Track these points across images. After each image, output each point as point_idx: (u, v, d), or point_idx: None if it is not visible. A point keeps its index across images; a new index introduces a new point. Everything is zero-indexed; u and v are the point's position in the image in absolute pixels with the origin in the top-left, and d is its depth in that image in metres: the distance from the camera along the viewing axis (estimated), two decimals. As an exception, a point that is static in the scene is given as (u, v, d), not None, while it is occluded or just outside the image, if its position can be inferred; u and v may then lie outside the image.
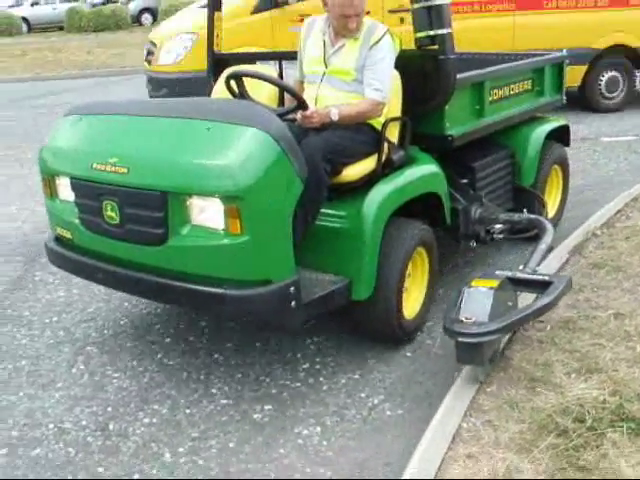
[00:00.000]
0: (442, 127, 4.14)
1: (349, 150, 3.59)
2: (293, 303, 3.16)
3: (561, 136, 5.35)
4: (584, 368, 3.35)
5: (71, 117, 3.67)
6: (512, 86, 4.79)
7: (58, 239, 3.81)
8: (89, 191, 3.40)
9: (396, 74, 3.86)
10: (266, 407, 3.39)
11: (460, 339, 3.21)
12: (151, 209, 3.17)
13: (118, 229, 3.32)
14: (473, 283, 3.42)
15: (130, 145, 3.34)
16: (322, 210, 3.55)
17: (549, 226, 4.18)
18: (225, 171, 3.00)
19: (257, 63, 4.76)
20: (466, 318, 3.21)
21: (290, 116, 3.61)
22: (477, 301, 3.29)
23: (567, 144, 5.46)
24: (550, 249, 4.06)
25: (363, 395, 3.47)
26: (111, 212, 3.32)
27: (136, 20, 30.12)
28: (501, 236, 4.49)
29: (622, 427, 2.89)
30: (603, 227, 5.20)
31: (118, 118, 3.49)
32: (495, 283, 3.39)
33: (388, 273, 3.62)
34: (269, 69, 4.46)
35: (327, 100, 3.74)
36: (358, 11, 3.62)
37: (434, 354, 3.79)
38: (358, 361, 3.76)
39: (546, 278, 3.61)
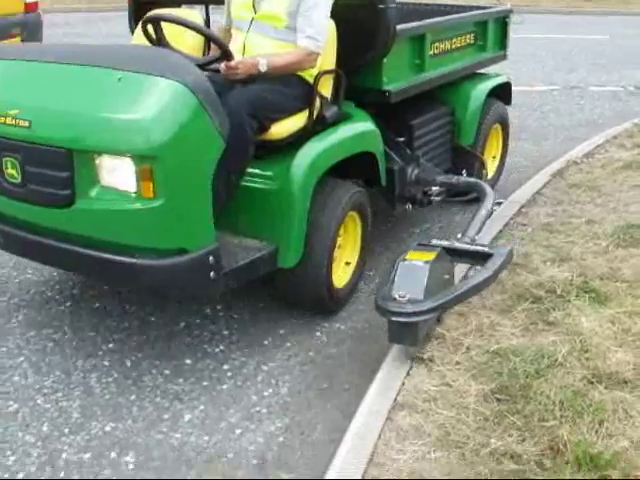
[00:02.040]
0: (379, 81, 3.88)
1: (277, 105, 3.31)
2: (212, 273, 2.90)
3: (503, 94, 5.15)
4: (557, 258, 4.01)
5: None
6: (454, 40, 4.55)
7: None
8: (-13, 145, 3.05)
9: (331, 23, 3.56)
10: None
11: (393, 318, 2.99)
12: (55, 168, 2.84)
13: (20, 189, 2.99)
14: (408, 256, 3.19)
15: (34, 95, 2.97)
16: (248, 170, 3.28)
17: (489, 190, 3.99)
18: (135, 127, 2.68)
19: (182, 7, 4.38)
20: (400, 295, 2.99)
21: (213, 66, 3.30)
22: (412, 276, 3.07)
23: (508, 102, 5.27)
24: (490, 214, 3.87)
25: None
26: (12, 170, 2.98)
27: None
28: (439, 198, 4.29)
29: (585, 296, 3.56)
30: (584, 157, 6.07)
31: (25, 64, 3.10)
32: (431, 256, 3.17)
33: (318, 239, 3.39)
34: (194, 14, 4.10)
35: (255, 49, 3.43)
36: None
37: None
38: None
39: (486, 249, 3.41)
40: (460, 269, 3.71)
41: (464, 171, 4.58)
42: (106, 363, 3.28)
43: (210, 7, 4.35)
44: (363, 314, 3.68)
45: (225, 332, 3.54)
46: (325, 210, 3.43)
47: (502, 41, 5.18)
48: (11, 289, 3.91)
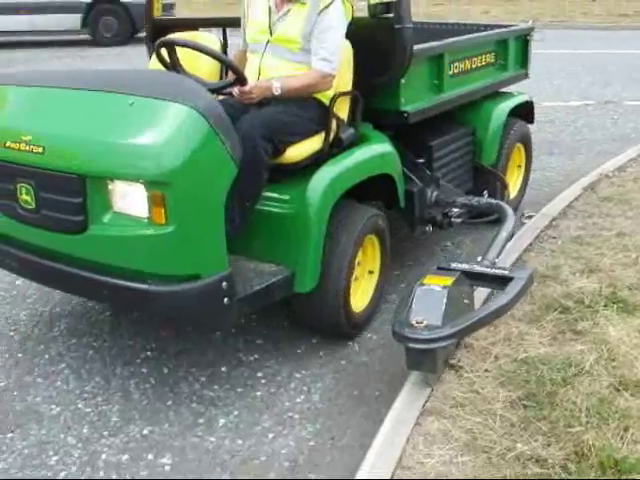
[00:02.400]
0: (397, 103, 3.83)
1: (293, 128, 3.27)
2: (225, 300, 2.86)
3: (525, 113, 5.07)
4: (587, 269, 4.05)
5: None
6: (474, 59, 4.49)
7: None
8: (2, 172, 3.05)
9: (347, 44, 3.53)
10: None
11: (410, 345, 2.92)
12: (69, 194, 2.83)
13: (34, 215, 2.98)
14: (426, 280, 3.12)
15: (47, 122, 2.97)
16: (263, 193, 3.25)
17: (510, 212, 3.90)
18: (146, 152, 2.66)
19: (199, 30, 4.38)
20: (417, 322, 2.92)
21: (227, 90, 3.28)
22: (430, 302, 3.00)
23: (531, 121, 5.20)
24: (511, 236, 3.78)
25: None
26: (26, 196, 2.97)
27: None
28: (459, 220, 4.21)
29: (613, 306, 3.59)
30: (615, 171, 6.04)
31: (37, 90, 3.11)
32: (449, 280, 3.10)
33: (335, 263, 3.33)
34: (212, 38, 4.09)
35: (271, 71, 3.41)
36: None
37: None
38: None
39: (506, 273, 3.32)
40: (482, 293, 3.64)
41: (485, 192, 4.51)
42: (144, 370, 3.36)
43: (228, 30, 4.33)
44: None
45: (259, 341, 3.59)
46: (342, 234, 3.38)
47: (523, 59, 5.11)
48: (54, 299, 4.01)
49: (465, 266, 3.39)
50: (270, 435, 2.95)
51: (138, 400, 3.16)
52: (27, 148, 2.89)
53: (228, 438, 2.93)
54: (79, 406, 3.13)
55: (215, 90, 3.14)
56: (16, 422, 3.03)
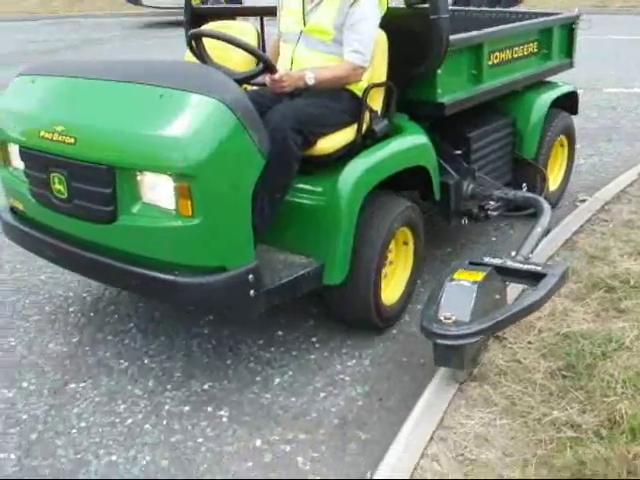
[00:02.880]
0: (433, 94, 3.77)
1: (324, 120, 3.24)
2: (252, 292, 2.86)
3: (568, 104, 4.95)
4: (635, 252, 4.11)
5: (24, 77, 3.34)
6: (515, 49, 4.38)
7: (13, 210, 3.52)
8: (37, 161, 3.10)
9: (382, 35, 3.49)
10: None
11: (438, 341, 2.89)
12: (99, 184, 2.86)
13: (67, 204, 3.02)
14: (456, 275, 3.08)
15: (79, 112, 3.01)
16: (295, 185, 3.24)
17: (546, 206, 3.81)
18: (174, 144, 2.68)
19: (237, 19, 4.38)
20: (445, 317, 2.88)
21: (260, 80, 3.27)
22: (459, 297, 2.96)
23: (575, 112, 5.06)
24: (546, 232, 3.70)
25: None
26: (59, 185, 3.02)
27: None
28: (496, 213, 4.13)
29: None
30: None
31: (70, 81, 3.14)
32: (480, 276, 3.05)
33: (366, 255, 3.31)
34: (248, 27, 4.09)
35: (304, 62, 3.39)
36: None
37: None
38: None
39: (539, 269, 3.26)
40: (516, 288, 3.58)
41: (524, 185, 4.42)
42: (206, 332, 3.57)
43: (265, 19, 4.32)
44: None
45: (314, 310, 3.74)
46: (373, 226, 3.35)
47: (569, 49, 4.97)
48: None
49: (498, 261, 3.34)
50: (322, 394, 3.14)
51: (199, 358, 3.38)
52: (60, 138, 2.93)
53: (282, 396, 3.13)
54: (145, 362, 3.37)
55: (244, 80, 3.12)
56: (88, 374, 3.30)
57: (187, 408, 3.06)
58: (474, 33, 3.96)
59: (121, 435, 2.92)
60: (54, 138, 2.95)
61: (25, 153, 3.16)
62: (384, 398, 3.10)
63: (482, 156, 4.22)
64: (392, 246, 3.58)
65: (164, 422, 2.98)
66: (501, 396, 2.93)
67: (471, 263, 3.32)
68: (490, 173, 4.29)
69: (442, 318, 2.90)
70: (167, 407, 3.07)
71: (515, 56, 4.39)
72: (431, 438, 2.73)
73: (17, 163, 3.30)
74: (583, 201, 5.08)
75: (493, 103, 4.34)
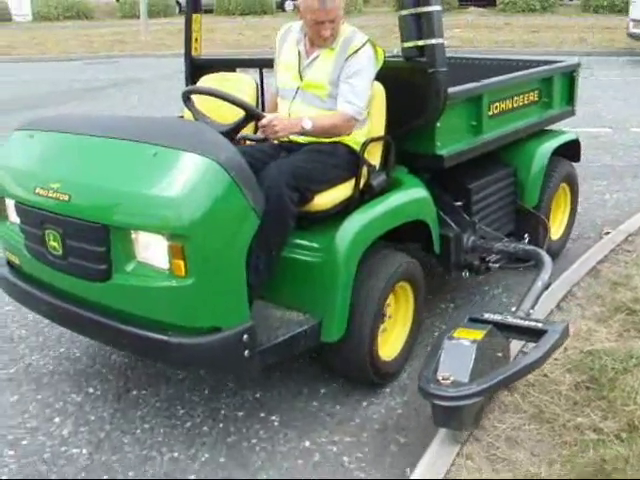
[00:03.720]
0: (432, 146, 3.75)
1: (321, 176, 3.22)
2: (246, 352, 2.82)
3: (571, 152, 4.92)
4: None
5: (22, 132, 3.34)
6: (515, 98, 4.37)
7: (10, 264, 3.49)
8: (32, 217, 3.08)
9: (380, 88, 3.49)
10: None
11: (435, 402, 2.83)
12: (93, 242, 2.83)
13: (61, 261, 3.00)
14: (455, 334, 3.03)
15: (74, 169, 3.00)
16: (291, 240, 3.21)
17: (547, 260, 3.76)
18: (167, 204, 2.65)
19: (237, 70, 4.39)
20: (443, 378, 2.83)
21: (258, 136, 3.26)
22: (457, 357, 2.91)
23: (577, 159, 5.04)
24: (547, 286, 3.64)
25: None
26: (54, 242, 2.99)
27: (280, 6, 32.06)
28: (497, 266, 4.09)
29: None
30: None
31: (67, 137, 3.13)
32: (480, 334, 3.00)
33: (362, 311, 3.26)
34: (247, 79, 4.09)
35: (301, 115, 3.37)
36: (331, 17, 3.23)
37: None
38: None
39: (539, 325, 3.20)
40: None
41: (526, 235, 4.38)
42: None
43: (265, 71, 4.32)
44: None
45: None
46: (370, 281, 3.30)
47: (570, 96, 4.96)
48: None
49: (498, 317, 3.28)
50: (364, 403, 3.42)
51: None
52: (54, 195, 2.92)
53: (328, 404, 3.41)
54: (200, 373, 3.60)
55: (231, 132, 3.10)
56: (148, 382, 3.58)
57: (241, 413, 3.34)
58: (473, 85, 3.95)
59: (181, 435, 3.20)
60: (49, 195, 2.94)
61: (21, 209, 3.15)
62: (420, 408, 3.29)
63: (483, 207, 4.18)
64: (391, 301, 3.54)
65: (220, 425, 3.26)
66: (530, 404, 3.17)
67: (471, 319, 3.27)
68: (491, 224, 4.26)
69: (440, 378, 2.85)
70: (223, 412, 3.34)
71: (515, 105, 4.38)
72: (466, 440, 2.96)
73: (14, 218, 3.29)
74: (608, 233, 5.29)
75: (494, 153, 4.32)
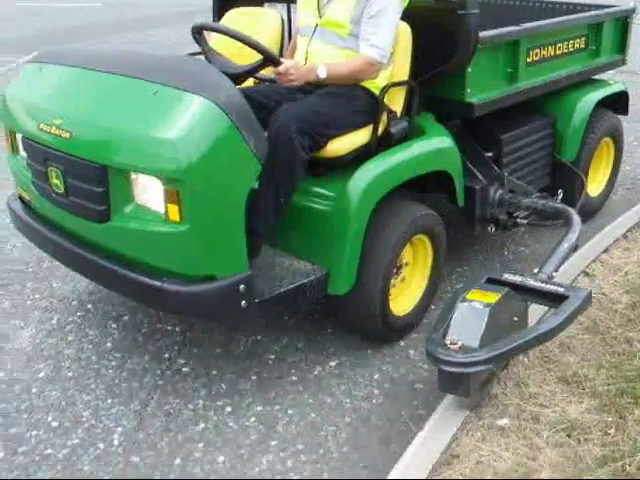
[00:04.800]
0: (462, 93, 3.54)
1: (336, 121, 3.06)
2: (243, 302, 2.72)
3: (618, 103, 4.62)
4: None
5: (33, 65, 3.25)
6: (559, 45, 4.09)
7: (21, 199, 3.45)
8: (37, 153, 3.01)
9: (405, 28, 3.27)
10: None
11: (442, 367, 2.70)
12: (92, 182, 2.74)
13: (64, 199, 2.93)
14: (469, 295, 2.86)
15: (76, 106, 2.89)
16: (305, 187, 3.09)
17: (576, 220, 3.53)
18: (163, 147, 2.53)
19: (265, 5, 4.20)
20: (451, 342, 2.69)
21: (270, 76, 3.10)
22: (469, 321, 2.75)
23: (625, 112, 4.73)
24: (574, 248, 3.43)
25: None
26: (56, 180, 2.92)
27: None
28: (525, 222, 3.88)
29: None
30: None
31: (73, 71, 3.01)
32: (495, 297, 2.82)
33: (374, 264, 3.13)
34: (272, 13, 3.91)
35: (318, 57, 3.21)
36: None
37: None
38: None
39: (561, 290, 3.01)
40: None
41: (560, 191, 4.15)
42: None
43: (293, 6, 4.12)
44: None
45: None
46: (384, 234, 3.16)
47: (621, 44, 4.64)
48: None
49: (518, 279, 3.10)
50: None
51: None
52: (57, 132, 2.83)
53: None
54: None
55: (245, 74, 2.95)
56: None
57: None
58: (509, 29, 3.68)
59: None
60: (52, 131, 2.85)
61: (27, 143, 3.08)
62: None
63: (515, 159, 3.96)
64: (408, 254, 3.40)
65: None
66: (585, 317, 3.32)
67: (489, 280, 3.10)
68: (524, 177, 4.04)
69: (448, 342, 2.71)
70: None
71: (558, 53, 4.10)
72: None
73: (23, 152, 3.22)
74: None
75: (532, 102, 4.08)
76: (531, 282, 3.09)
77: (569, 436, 2.68)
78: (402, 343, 3.43)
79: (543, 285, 3.07)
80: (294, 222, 3.13)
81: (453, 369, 2.67)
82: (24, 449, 2.79)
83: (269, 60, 2.93)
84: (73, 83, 2.99)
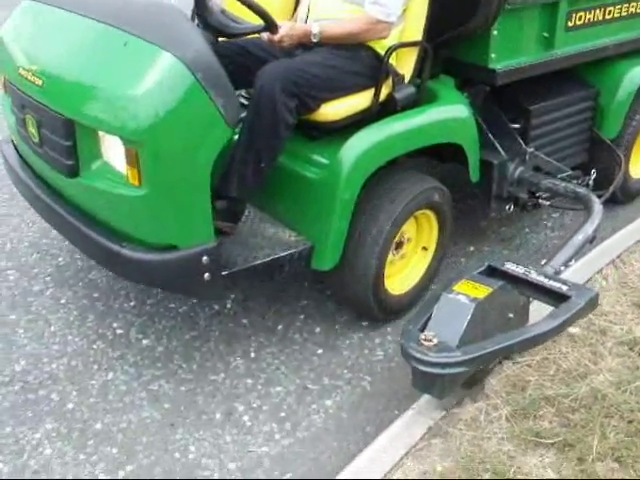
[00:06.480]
0: (485, 58, 3.23)
1: (330, 82, 2.80)
2: (207, 275, 2.54)
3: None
4: None
5: (26, 4, 3.08)
6: (609, 9, 3.68)
7: (13, 143, 3.33)
8: (16, 98, 2.88)
9: (421, -18, 2.96)
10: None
11: (414, 365, 2.46)
12: (60, 135, 2.58)
13: (39, 149, 2.79)
14: (456, 287, 2.59)
15: (52, 52, 2.71)
16: (295, 150, 2.90)
17: (597, 209, 3.18)
18: (123, 104, 2.35)
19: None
20: (426, 338, 2.45)
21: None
22: (451, 315, 2.50)
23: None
24: (590, 239, 3.08)
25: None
26: (32, 128, 2.78)
27: None
28: (547, 203, 3.56)
29: None
30: None
31: (56, 13, 2.83)
32: (485, 291, 2.56)
33: (369, 238, 2.91)
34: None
35: (320, 12, 2.95)
36: None
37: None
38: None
39: (564, 289, 2.71)
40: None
41: (593, 171, 3.79)
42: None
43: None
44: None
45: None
46: (382, 207, 2.93)
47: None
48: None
49: (520, 270, 2.81)
50: None
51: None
52: (32, 79, 2.68)
53: None
54: None
55: (239, 35, 2.71)
56: None
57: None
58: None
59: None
60: (28, 77, 2.70)
61: (9, 87, 2.94)
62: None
63: (545, 133, 3.62)
64: (410, 230, 3.16)
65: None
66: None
67: (489, 268, 2.84)
68: (555, 153, 3.69)
69: (423, 338, 2.47)
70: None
71: (607, 17, 3.69)
72: (607, 264, 3.42)
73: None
74: None
75: (573, 70, 3.71)
76: (534, 276, 2.80)
77: (631, 349, 2.90)
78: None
79: (545, 281, 2.77)
80: (282, 187, 2.94)
81: (424, 368, 2.44)
82: (151, 301, 3.27)
83: (268, 26, 2.69)
84: (54, 26, 2.81)
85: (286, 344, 3.09)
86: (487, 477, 2.34)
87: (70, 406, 2.73)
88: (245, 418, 2.71)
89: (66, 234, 2.91)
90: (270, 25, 2.68)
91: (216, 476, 2.47)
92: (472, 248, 3.80)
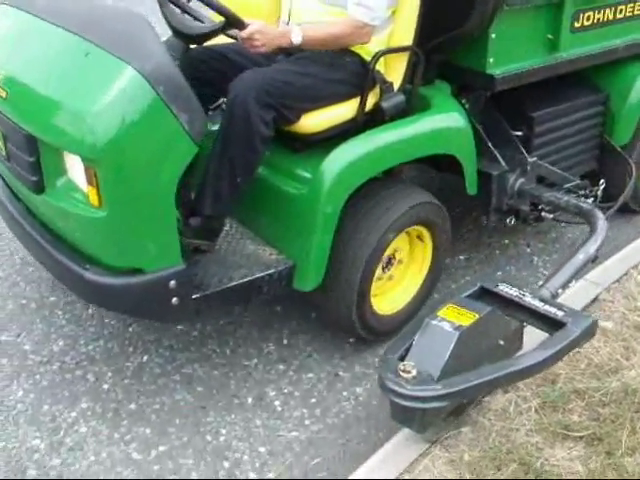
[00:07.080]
0: (483, 62, 3.04)
1: (310, 92, 2.64)
2: (174, 300, 2.39)
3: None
4: None
5: (3, 7, 2.94)
6: (620, 8, 3.45)
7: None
8: (-15, 108, 2.74)
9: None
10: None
11: (391, 397, 2.29)
12: (24, 150, 2.44)
13: (8, 162, 2.66)
14: (441, 312, 2.42)
15: (19, 61, 2.56)
16: (277, 162, 2.76)
17: (601, 226, 2.96)
18: (81, 120, 2.20)
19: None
20: (404, 370, 2.27)
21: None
22: (433, 344, 2.33)
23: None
24: (592, 259, 2.88)
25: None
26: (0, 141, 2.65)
27: None
28: (551, 216, 3.35)
29: None
30: None
31: (27, 19, 2.68)
32: (471, 318, 2.38)
33: (354, 256, 2.74)
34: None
35: (302, 15, 2.78)
36: None
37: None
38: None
39: (559, 315, 2.51)
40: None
41: (602, 180, 3.58)
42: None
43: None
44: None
45: None
46: (369, 223, 2.76)
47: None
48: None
49: (514, 292, 2.62)
50: None
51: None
52: (-3, 89, 2.54)
53: None
54: None
55: (203, 37, 2.54)
56: None
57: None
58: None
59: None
60: (-6, 87, 2.56)
61: None
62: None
63: (549, 141, 3.41)
64: (402, 246, 2.99)
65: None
66: None
67: (482, 289, 2.66)
68: (561, 162, 3.49)
69: (401, 369, 2.30)
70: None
71: (618, 17, 3.47)
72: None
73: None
74: None
75: (580, 74, 3.50)
76: (528, 299, 2.60)
77: None
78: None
79: (540, 305, 2.57)
80: (263, 202, 2.80)
81: (402, 402, 2.27)
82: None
83: (233, 23, 2.51)
84: (23, 33, 2.65)
85: (318, 332, 3.07)
86: (513, 468, 2.33)
87: (105, 387, 2.79)
88: (276, 403, 2.75)
89: (32, 251, 2.77)
90: (233, 21, 2.50)
91: (245, 458, 2.49)
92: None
